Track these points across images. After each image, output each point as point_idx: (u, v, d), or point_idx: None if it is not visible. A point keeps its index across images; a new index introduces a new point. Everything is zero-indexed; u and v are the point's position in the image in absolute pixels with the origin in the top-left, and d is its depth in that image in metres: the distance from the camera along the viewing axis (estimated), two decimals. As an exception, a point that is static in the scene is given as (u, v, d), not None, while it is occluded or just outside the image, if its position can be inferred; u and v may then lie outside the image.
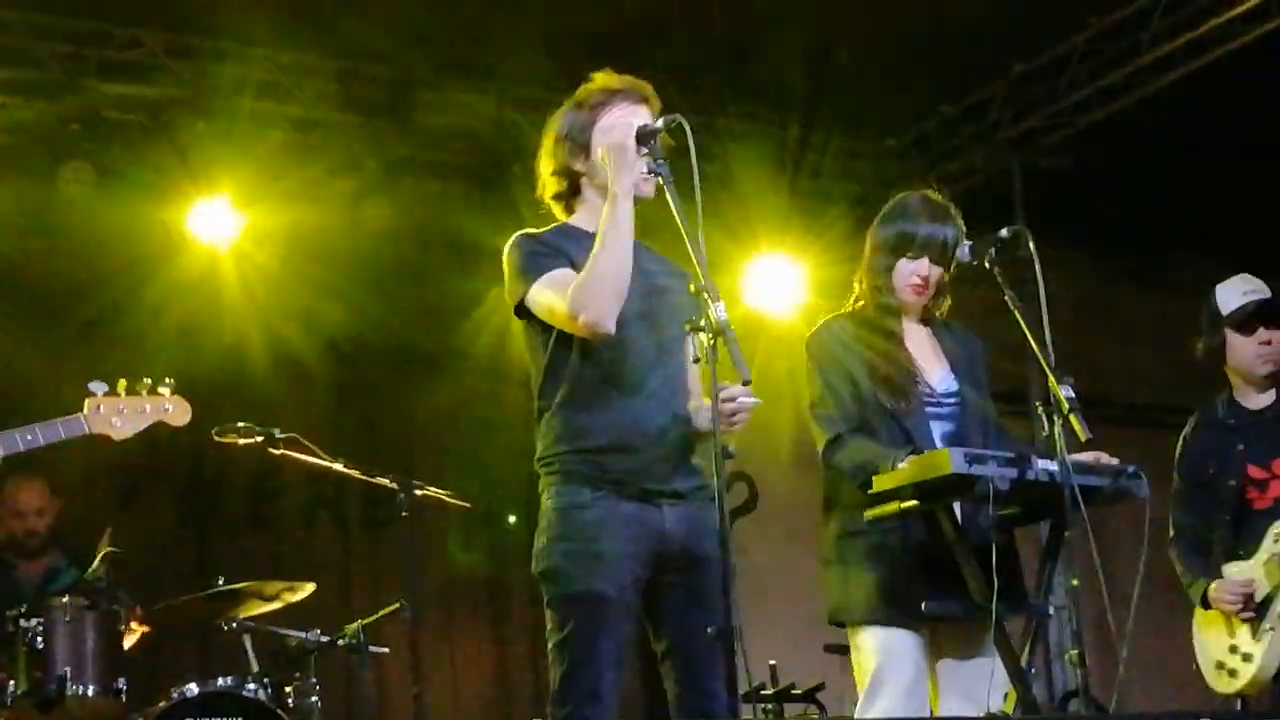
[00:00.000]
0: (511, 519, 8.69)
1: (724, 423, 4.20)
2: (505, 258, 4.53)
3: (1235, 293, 5.91)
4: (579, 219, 4.58)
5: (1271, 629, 5.63)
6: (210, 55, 8.25)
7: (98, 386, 4.95)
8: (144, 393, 5.04)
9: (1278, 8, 8.11)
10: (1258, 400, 5.94)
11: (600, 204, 4.48)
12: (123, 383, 4.99)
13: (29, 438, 4.83)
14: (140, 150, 8.17)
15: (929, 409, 4.91)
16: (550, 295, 4.39)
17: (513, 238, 4.54)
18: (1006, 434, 5.07)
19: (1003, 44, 8.85)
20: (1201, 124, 8.85)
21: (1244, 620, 5.70)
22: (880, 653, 4.82)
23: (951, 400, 4.97)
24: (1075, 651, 4.74)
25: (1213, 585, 5.77)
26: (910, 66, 8.74)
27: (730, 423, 4.21)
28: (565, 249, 4.46)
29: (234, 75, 8.21)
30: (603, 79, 4.59)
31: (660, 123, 4.34)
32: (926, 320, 5.09)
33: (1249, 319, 5.86)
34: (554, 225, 4.61)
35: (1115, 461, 4.84)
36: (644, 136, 4.34)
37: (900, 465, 4.64)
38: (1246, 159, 9.05)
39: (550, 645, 4.39)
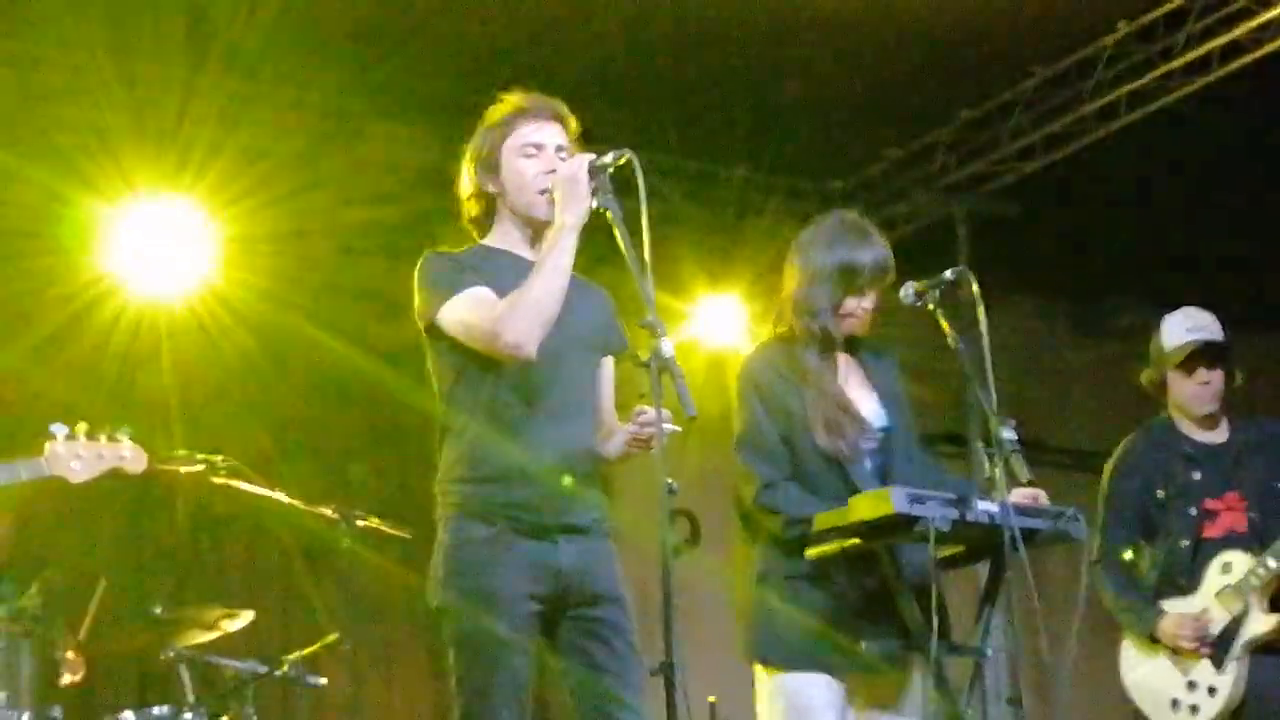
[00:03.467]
0: None
1: (638, 445, 4.19)
2: (417, 275, 4.42)
3: (1180, 329, 5.91)
4: (494, 239, 4.51)
5: (1238, 658, 5.63)
6: (156, 83, 8.17)
7: (59, 429, 4.93)
8: (103, 439, 5.02)
9: (1219, 60, 8.20)
10: (1211, 435, 5.94)
11: (517, 225, 4.45)
12: (82, 425, 4.98)
13: None
14: (86, 175, 8.10)
15: (863, 444, 4.87)
16: (468, 313, 4.29)
17: (424, 255, 4.44)
18: (928, 456, 5.06)
19: (948, 90, 8.91)
20: (1143, 172, 8.94)
21: (1200, 654, 5.68)
22: (794, 699, 4.74)
23: (879, 433, 4.92)
24: (1011, 694, 4.75)
25: (1164, 623, 5.73)
26: (857, 110, 8.79)
27: (644, 446, 4.19)
28: (481, 268, 4.37)
29: (178, 104, 8.14)
30: (511, 98, 4.52)
31: (610, 157, 4.26)
32: (849, 343, 4.97)
33: (1188, 359, 5.88)
34: (468, 246, 4.53)
35: (1051, 504, 4.85)
36: (594, 170, 4.25)
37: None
38: (1187, 206, 9.14)
39: (452, 681, 4.32)
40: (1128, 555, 5.94)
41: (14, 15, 7.62)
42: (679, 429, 4.11)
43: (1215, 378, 5.88)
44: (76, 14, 7.55)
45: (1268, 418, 6.08)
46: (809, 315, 4.88)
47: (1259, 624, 5.66)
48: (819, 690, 4.72)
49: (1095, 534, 5.90)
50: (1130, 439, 6.06)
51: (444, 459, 4.43)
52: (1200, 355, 5.87)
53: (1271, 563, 5.61)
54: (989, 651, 4.86)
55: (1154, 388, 6.02)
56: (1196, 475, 5.86)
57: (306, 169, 8.48)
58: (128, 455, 5.06)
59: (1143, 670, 5.83)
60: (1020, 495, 4.72)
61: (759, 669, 4.85)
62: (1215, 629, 5.67)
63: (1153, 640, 5.77)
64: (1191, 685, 5.70)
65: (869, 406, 4.89)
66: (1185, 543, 5.81)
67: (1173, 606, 5.75)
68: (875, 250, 4.86)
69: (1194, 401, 5.90)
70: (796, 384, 4.83)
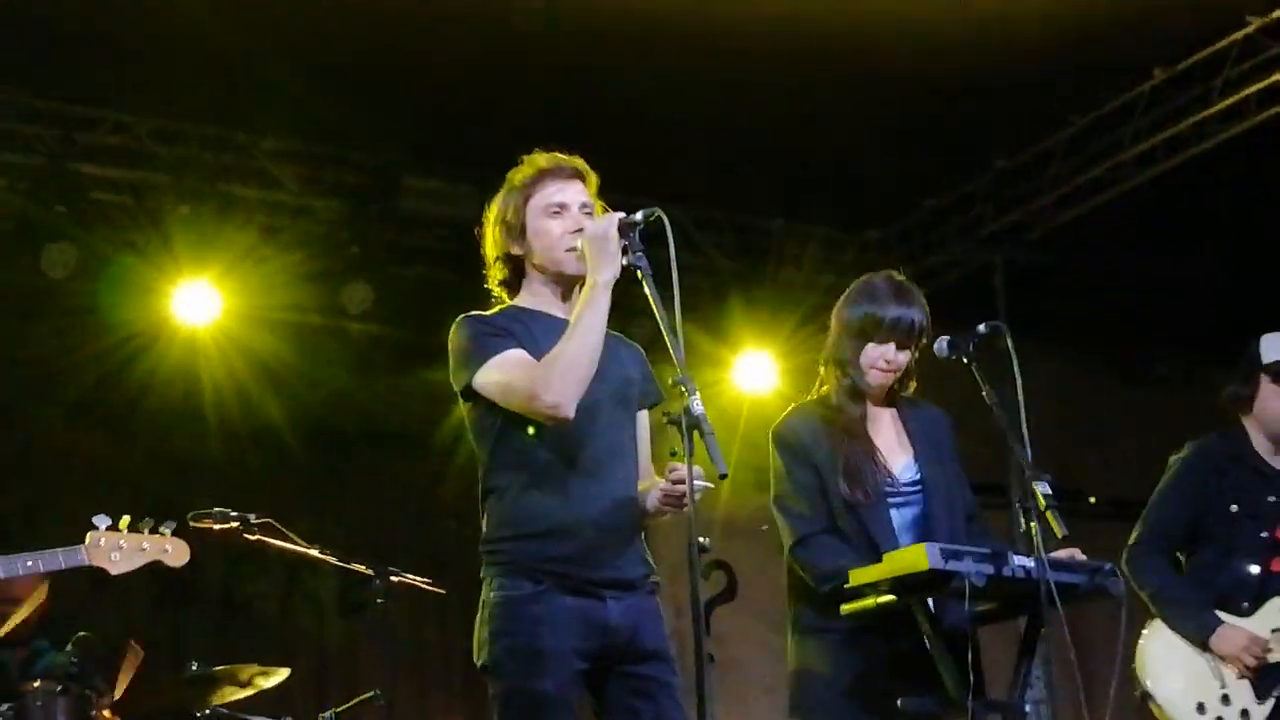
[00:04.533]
0: None
1: (671, 503, 4.19)
2: (451, 340, 4.43)
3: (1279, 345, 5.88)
4: (525, 299, 4.51)
5: (1276, 698, 5.54)
6: (195, 140, 8.28)
7: (101, 520, 5.03)
8: (145, 531, 5.12)
9: (1255, 106, 8.18)
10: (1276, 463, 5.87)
11: (547, 284, 4.46)
12: (126, 519, 5.08)
13: (29, 564, 4.92)
14: (125, 233, 8.18)
15: (890, 499, 4.86)
16: (505, 376, 4.30)
17: (458, 320, 4.45)
18: (977, 519, 5.04)
19: (986, 139, 8.91)
20: (1182, 220, 8.91)
21: (1242, 675, 5.58)
22: None
23: (914, 488, 4.92)
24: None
25: (1229, 634, 5.61)
26: (894, 160, 8.79)
27: (676, 504, 4.19)
28: (513, 330, 4.37)
29: (217, 160, 8.24)
30: (533, 159, 4.53)
31: (640, 215, 4.25)
32: (892, 401, 5.04)
33: None
34: (500, 307, 4.53)
35: (1089, 558, 4.83)
36: (624, 228, 4.25)
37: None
38: (1227, 254, 9.10)
39: None
40: (1168, 549, 5.84)
41: (54, 75, 7.70)
42: (710, 486, 4.10)
43: None
44: (115, 74, 7.63)
45: None
46: (837, 368, 4.97)
47: None
48: None
49: (1142, 522, 5.83)
50: (1208, 443, 5.94)
51: (487, 519, 4.43)
52: None
53: None
54: (1027, 707, 4.83)
55: (1235, 404, 5.94)
56: (1271, 499, 5.78)
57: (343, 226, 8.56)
58: (169, 550, 5.18)
59: (1176, 668, 5.68)
60: (1057, 552, 4.70)
61: None
62: (1273, 659, 5.62)
63: (1203, 645, 5.68)
64: (1225, 699, 5.59)
65: (901, 460, 4.91)
66: (1254, 568, 5.72)
67: (1235, 622, 5.65)
68: (901, 308, 4.89)
69: None
70: (825, 437, 4.85)
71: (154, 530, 5.12)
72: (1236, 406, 5.94)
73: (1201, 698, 5.64)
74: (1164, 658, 5.73)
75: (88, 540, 5.01)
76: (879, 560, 4.62)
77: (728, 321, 9.26)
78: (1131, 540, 5.85)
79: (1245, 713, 5.59)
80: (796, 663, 4.88)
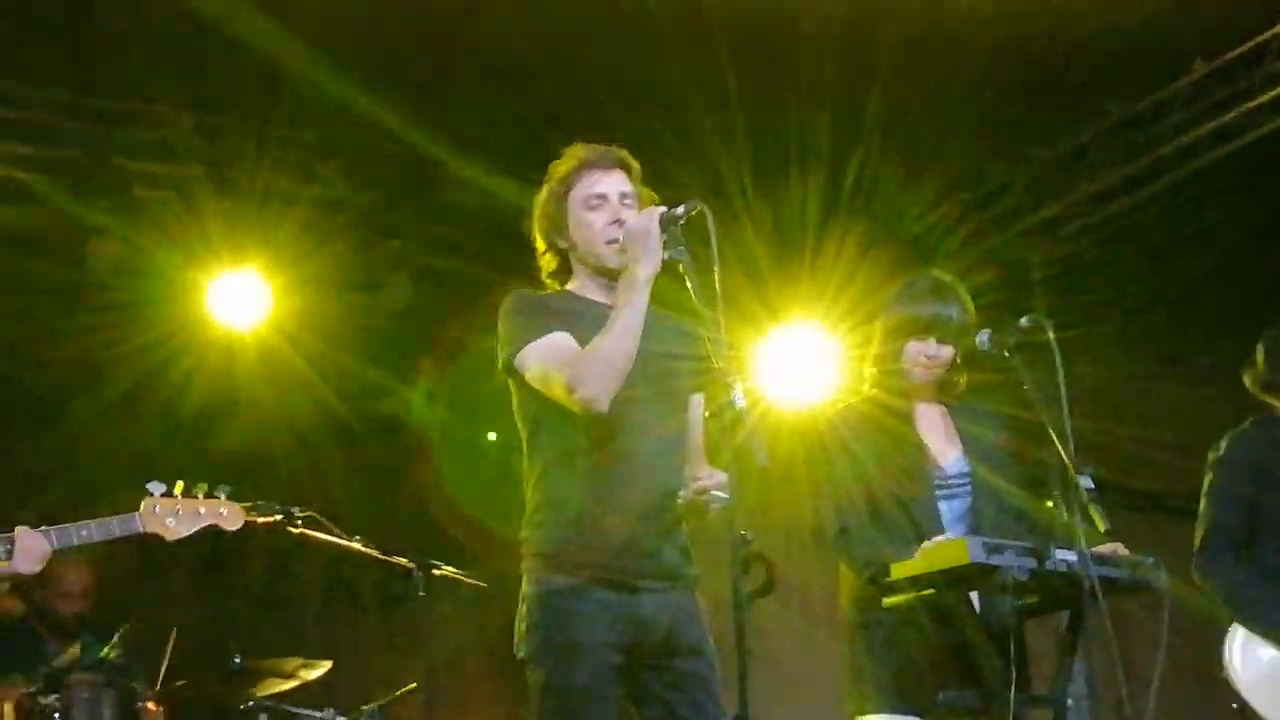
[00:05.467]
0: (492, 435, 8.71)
1: (693, 511, 4.21)
2: (501, 313, 4.45)
3: None
4: (574, 286, 4.54)
5: None
6: (236, 134, 8.31)
7: (155, 487, 5.02)
8: (200, 495, 5.12)
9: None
10: None
11: (591, 275, 4.48)
12: (180, 485, 5.08)
13: (84, 533, 4.88)
14: (166, 228, 8.21)
15: (939, 492, 4.89)
16: (546, 363, 4.31)
17: (510, 294, 4.47)
18: (1027, 516, 5.04)
19: (1024, 131, 8.87)
20: (1223, 211, 8.85)
21: None
22: None
23: (963, 482, 4.94)
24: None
25: None
26: (930, 153, 8.77)
27: (699, 511, 4.19)
28: (563, 313, 4.40)
29: (258, 155, 8.26)
30: (573, 150, 4.55)
31: (682, 209, 4.26)
32: (942, 399, 5.06)
33: None
34: (552, 290, 4.57)
35: (1132, 551, 4.82)
36: (665, 222, 4.26)
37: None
38: (1269, 245, 9.04)
39: None
40: (1239, 548, 5.79)
41: (95, 70, 7.74)
42: (728, 499, 4.10)
43: None
44: (155, 69, 7.66)
45: None
46: (881, 364, 5.04)
47: None
48: None
49: (1200, 524, 5.78)
50: (1245, 433, 5.90)
51: (527, 505, 4.45)
52: None
53: None
54: (1069, 701, 4.83)
55: (1268, 390, 5.89)
56: None
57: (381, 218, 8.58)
58: (225, 513, 5.17)
59: (1264, 668, 5.62)
60: (1099, 547, 4.70)
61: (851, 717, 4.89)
62: None
63: None
64: None
65: (950, 455, 4.94)
66: None
67: None
68: (942, 305, 4.92)
69: None
70: (871, 435, 4.86)
71: (209, 495, 5.12)
72: (1268, 391, 5.90)
73: None
74: (1254, 662, 5.64)
75: (142, 507, 4.99)
76: None
77: (767, 314, 9.25)
78: (1196, 548, 5.77)
79: None
80: (847, 657, 4.93)
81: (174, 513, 5.03)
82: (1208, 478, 5.88)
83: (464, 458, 8.89)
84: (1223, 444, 5.91)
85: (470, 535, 8.72)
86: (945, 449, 4.98)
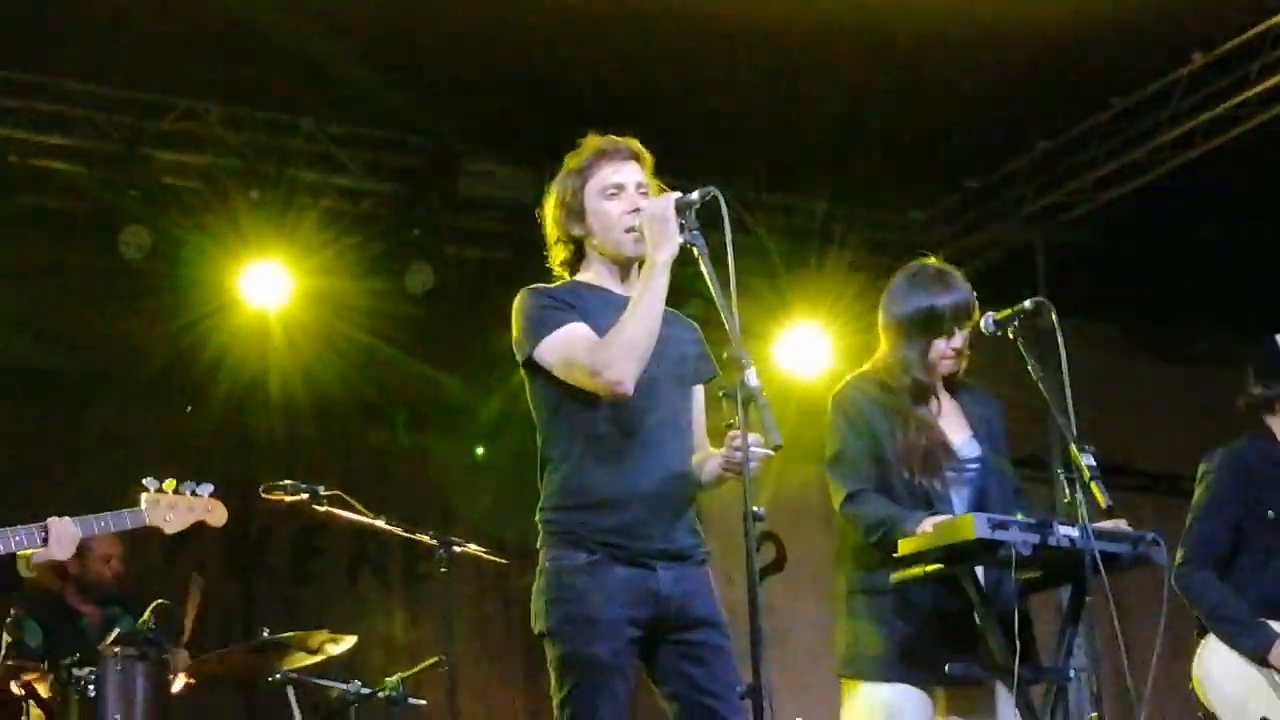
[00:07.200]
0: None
1: (732, 469, 4.19)
2: (515, 311, 4.44)
3: None
4: (586, 276, 4.53)
5: None
6: (262, 126, 8.33)
7: (151, 483, 5.31)
8: (188, 494, 5.41)
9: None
10: None
11: (605, 263, 4.48)
12: (171, 482, 5.36)
13: (101, 524, 5.21)
14: (196, 216, 8.23)
15: (951, 474, 4.88)
16: (567, 350, 4.32)
17: (522, 292, 4.47)
18: (1023, 496, 5.04)
19: (1027, 121, 8.87)
20: (1222, 199, 8.85)
21: None
22: (887, 709, 4.76)
23: (974, 465, 4.93)
24: (1095, 715, 4.71)
25: None
26: (935, 142, 8.77)
27: (736, 470, 4.18)
28: (576, 304, 4.40)
29: (285, 145, 8.28)
30: (590, 142, 4.54)
31: (696, 195, 4.26)
32: (949, 385, 5.06)
33: None
34: (563, 282, 4.55)
35: (1132, 528, 4.82)
36: (681, 208, 4.27)
37: (920, 527, 4.61)
38: (1267, 233, 9.03)
39: (554, 703, 4.33)
40: (1220, 564, 5.76)
41: (129, 66, 7.76)
42: (770, 453, 4.10)
43: None
44: (186, 64, 7.68)
45: None
46: (902, 370, 4.93)
47: None
48: (906, 699, 4.75)
49: (1187, 538, 5.68)
50: (1238, 449, 5.78)
51: (544, 489, 4.45)
52: None
53: None
54: (1071, 673, 4.83)
55: (1260, 404, 5.85)
56: None
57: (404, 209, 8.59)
58: (210, 510, 5.46)
59: (1235, 684, 5.53)
60: (1101, 523, 4.69)
61: (847, 683, 4.87)
62: None
63: (1262, 661, 5.59)
64: None
65: (960, 437, 4.94)
66: None
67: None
68: (955, 294, 4.90)
69: None
70: (891, 421, 4.85)
71: (194, 494, 5.40)
72: (1261, 409, 5.85)
73: (1266, 712, 5.47)
74: (1223, 676, 5.56)
75: (143, 503, 5.29)
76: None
77: (776, 299, 9.26)
78: (1178, 560, 5.66)
79: None
80: (846, 622, 4.89)
81: (171, 507, 5.34)
82: (1198, 491, 5.80)
83: (486, 437, 8.89)
84: (1216, 458, 5.84)
85: (491, 514, 8.73)
86: (956, 432, 4.94)
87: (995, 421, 5.05)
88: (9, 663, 6.78)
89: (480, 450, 8.99)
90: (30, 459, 8.24)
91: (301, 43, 7.39)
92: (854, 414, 4.91)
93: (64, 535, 5.09)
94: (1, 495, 5.26)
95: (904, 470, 4.80)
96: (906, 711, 4.75)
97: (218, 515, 5.47)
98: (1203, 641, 5.65)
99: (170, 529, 5.34)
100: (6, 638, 6.92)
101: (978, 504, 4.83)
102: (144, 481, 5.30)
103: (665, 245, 4.26)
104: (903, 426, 4.85)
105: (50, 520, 5.08)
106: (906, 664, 4.73)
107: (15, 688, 6.67)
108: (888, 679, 4.76)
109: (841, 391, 4.99)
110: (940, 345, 4.89)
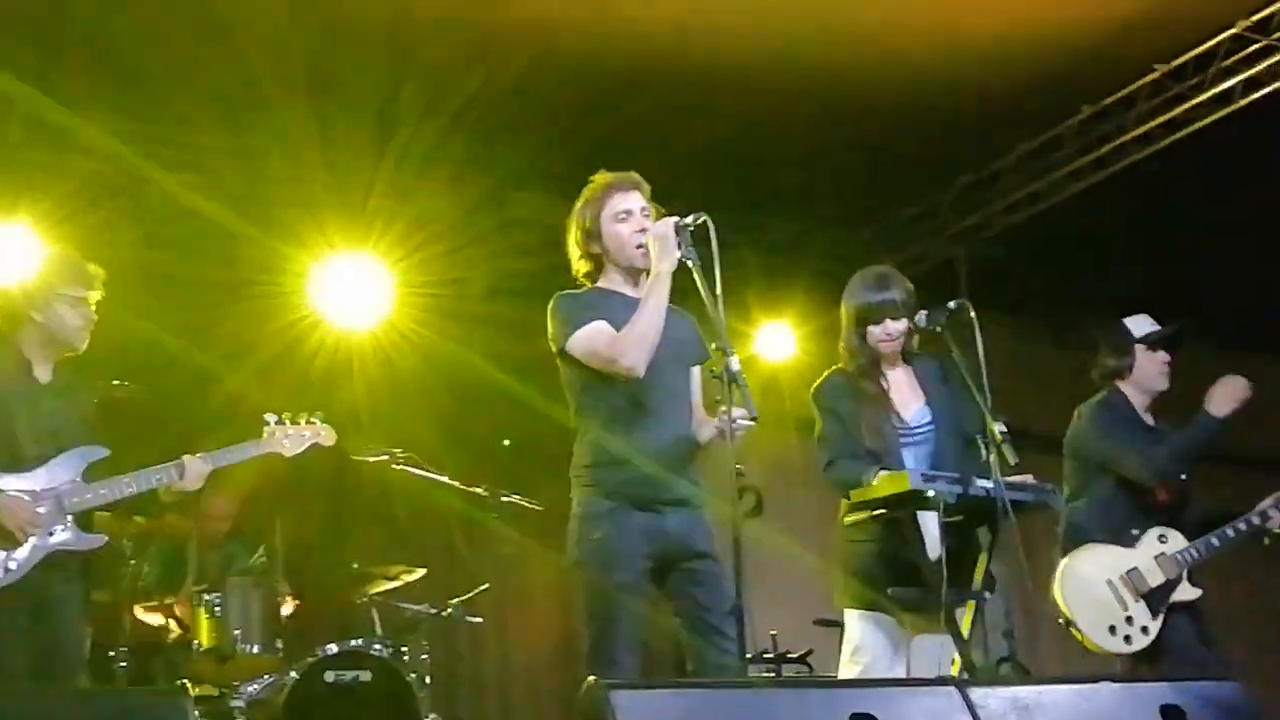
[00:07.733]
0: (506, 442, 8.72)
1: (721, 436, 4.22)
2: (550, 312, 4.52)
3: (1144, 323, 5.82)
4: (604, 283, 4.60)
5: (1163, 611, 5.50)
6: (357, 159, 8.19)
7: (271, 417, 5.29)
8: (303, 422, 5.35)
9: (1161, 134, 8.10)
10: (1149, 419, 5.80)
11: (620, 272, 4.53)
12: (288, 414, 5.34)
13: (230, 455, 5.14)
14: (298, 236, 8.15)
15: (903, 439, 4.88)
16: (592, 342, 4.40)
17: (556, 296, 4.54)
18: (974, 447, 5.01)
19: (951, 161, 8.88)
20: (1107, 221, 8.87)
21: (1138, 599, 5.52)
22: (861, 627, 4.82)
23: (924, 428, 4.93)
24: (1007, 626, 4.73)
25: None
26: (884, 177, 8.78)
27: (730, 434, 4.21)
28: (598, 306, 4.47)
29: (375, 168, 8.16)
30: (601, 177, 4.61)
31: (691, 219, 4.36)
32: (907, 359, 5.05)
33: (1158, 342, 5.76)
34: (586, 289, 4.62)
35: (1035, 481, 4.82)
36: (678, 229, 4.35)
37: (872, 481, 4.62)
38: (1147, 248, 9.05)
39: (582, 620, 4.39)
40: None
41: (240, 119, 7.73)
42: (750, 423, 4.15)
43: (1171, 361, 5.76)
44: (290, 117, 7.64)
45: None
46: (850, 355, 5.01)
47: (1187, 593, 5.57)
48: (872, 623, 4.81)
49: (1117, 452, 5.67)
50: (1116, 396, 5.80)
51: (576, 453, 4.52)
52: (1164, 341, 5.78)
53: (1199, 550, 5.56)
54: (986, 596, 4.84)
55: (1111, 375, 5.83)
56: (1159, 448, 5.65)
57: (464, 230, 8.54)
58: (323, 433, 5.39)
59: (1087, 597, 5.54)
60: (1012, 477, 4.70)
61: (845, 612, 4.92)
62: (1152, 583, 5.54)
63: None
64: (1129, 619, 5.52)
65: (914, 407, 4.93)
66: (1144, 502, 5.64)
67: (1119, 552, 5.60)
68: (885, 291, 4.94)
69: (1159, 378, 5.77)
70: (853, 402, 4.89)
71: (309, 422, 5.35)
72: (1115, 376, 5.84)
73: (1112, 621, 5.52)
74: (1081, 598, 5.56)
75: (264, 433, 5.23)
76: None
77: (752, 302, 9.25)
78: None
79: (1145, 629, 5.50)
80: (837, 568, 4.94)
81: (288, 435, 5.26)
82: (1090, 425, 5.80)
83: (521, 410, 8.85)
84: (1090, 404, 5.86)
85: (533, 471, 8.71)
86: (910, 402, 4.96)
87: (940, 380, 5.00)
88: (151, 593, 6.77)
89: (506, 442, 8.95)
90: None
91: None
92: (828, 401, 4.96)
93: (195, 470, 5.00)
94: (147, 442, 5.20)
95: (865, 439, 4.83)
96: (881, 627, 4.81)
97: (328, 437, 5.38)
98: (1061, 565, 5.65)
99: (289, 453, 5.26)
100: (146, 569, 6.88)
101: (933, 461, 4.83)
102: (265, 417, 5.26)
103: (667, 258, 4.34)
104: (861, 405, 4.86)
105: (185, 457, 5.01)
106: (870, 593, 4.79)
107: (143, 612, 6.68)
108: (856, 605, 4.85)
109: (819, 385, 5.04)
110: (875, 331, 4.94)
